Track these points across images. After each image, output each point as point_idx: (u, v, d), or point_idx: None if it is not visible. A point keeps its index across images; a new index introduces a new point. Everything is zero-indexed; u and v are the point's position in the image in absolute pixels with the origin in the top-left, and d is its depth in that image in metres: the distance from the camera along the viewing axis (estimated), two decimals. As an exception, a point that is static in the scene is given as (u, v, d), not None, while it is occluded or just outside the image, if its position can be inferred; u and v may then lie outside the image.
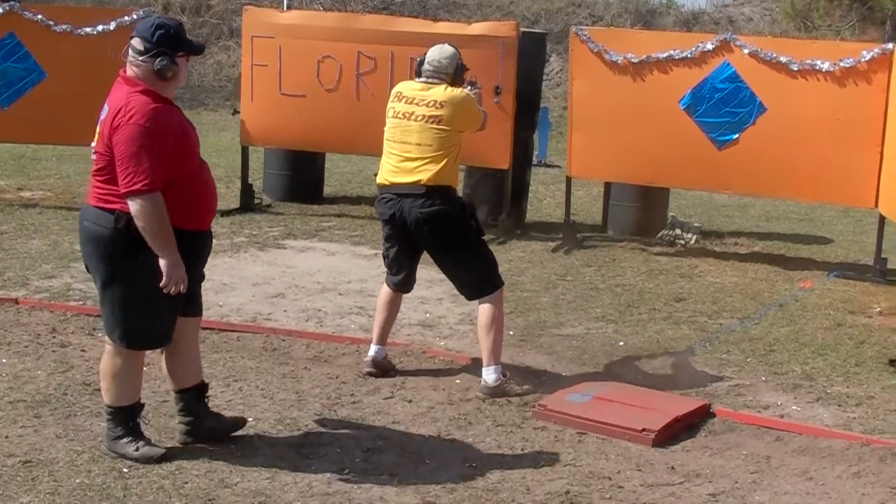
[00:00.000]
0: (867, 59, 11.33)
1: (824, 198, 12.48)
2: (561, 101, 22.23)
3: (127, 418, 6.25)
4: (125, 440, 6.20)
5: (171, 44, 6.02)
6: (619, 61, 12.12)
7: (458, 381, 7.84)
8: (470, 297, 7.89)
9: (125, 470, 6.06)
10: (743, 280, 11.28)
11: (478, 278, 7.74)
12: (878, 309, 10.34)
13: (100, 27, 13.13)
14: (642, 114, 12.07)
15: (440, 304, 9.76)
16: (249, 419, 6.90)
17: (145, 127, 5.83)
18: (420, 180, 7.56)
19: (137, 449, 6.18)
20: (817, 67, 11.45)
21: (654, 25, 25.68)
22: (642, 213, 13.27)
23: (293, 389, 7.48)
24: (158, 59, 5.96)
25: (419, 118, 7.62)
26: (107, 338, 6.24)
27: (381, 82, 12.71)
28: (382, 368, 7.90)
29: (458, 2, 27.79)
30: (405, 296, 8.10)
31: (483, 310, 7.69)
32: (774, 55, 11.55)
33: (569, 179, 12.88)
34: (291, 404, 7.22)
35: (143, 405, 6.38)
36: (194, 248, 6.19)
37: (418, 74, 7.83)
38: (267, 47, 13.19)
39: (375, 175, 8.03)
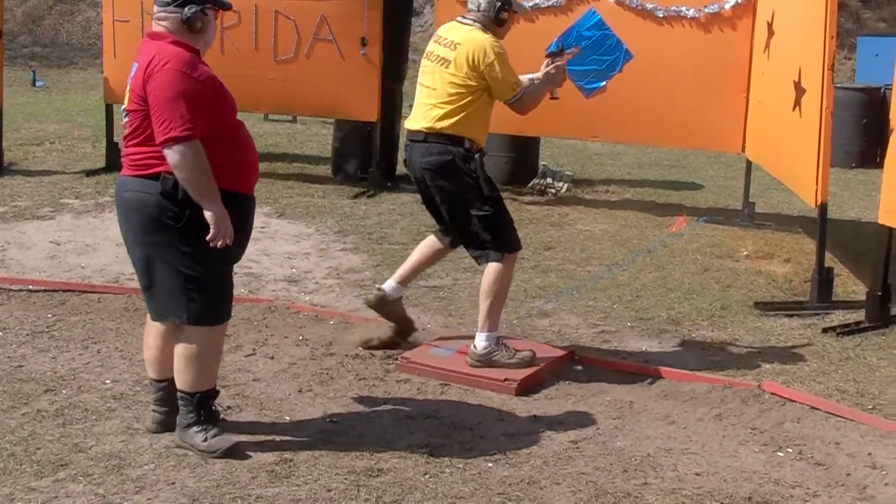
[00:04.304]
0: (731, 5, 11.39)
1: (692, 144, 12.60)
2: (435, 53, 22.14)
3: (199, 405, 5.85)
4: (195, 429, 5.81)
5: None
6: (486, 10, 12.02)
7: (321, 335, 7.74)
8: (477, 260, 7.23)
9: (-25, 438, 5.90)
10: (613, 227, 11.31)
11: (483, 240, 7.10)
12: (745, 253, 10.43)
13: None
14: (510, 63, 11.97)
15: (307, 258, 9.66)
16: (107, 382, 6.77)
17: (182, 72, 5.45)
18: (420, 125, 7.07)
19: (206, 439, 5.78)
20: (682, 14, 11.48)
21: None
22: (513, 162, 13.29)
23: (153, 349, 7.33)
24: (187, 7, 5.59)
25: (434, 59, 7.10)
26: (173, 323, 5.78)
27: (246, 36, 12.57)
28: (385, 308, 7.48)
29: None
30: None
31: (486, 271, 7.10)
32: (640, 2, 11.55)
33: (438, 130, 12.78)
34: (151, 365, 7.08)
35: (217, 392, 6.01)
36: (246, 213, 5.81)
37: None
38: (128, 2, 12.92)
39: None
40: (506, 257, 7.07)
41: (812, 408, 6.70)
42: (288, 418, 6.32)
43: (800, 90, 9.13)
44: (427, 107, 7.06)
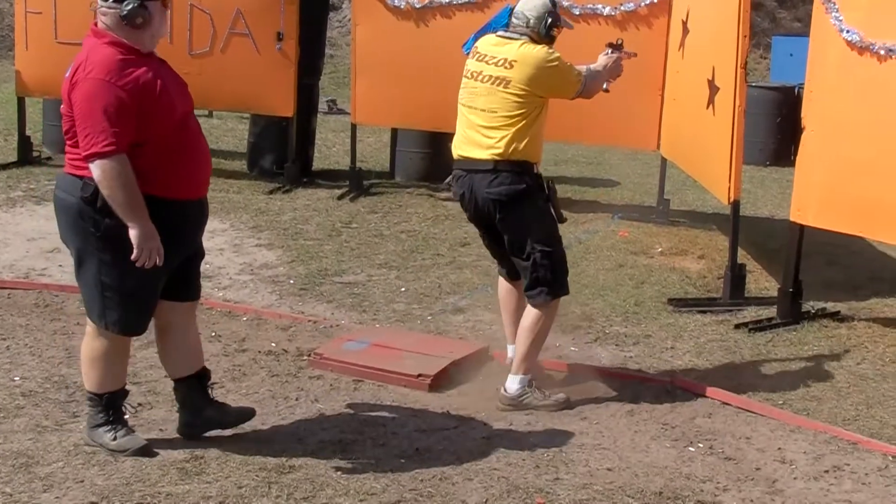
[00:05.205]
0: (647, 3, 11.43)
1: (609, 141, 12.63)
2: (353, 48, 22.08)
3: (107, 406, 5.74)
4: (104, 429, 5.72)
5: None
6: (402, 6, 12.02)
7: (234, 331, 7.68)
8: (531, 299, 6.68)
9: None
10: (529, 224, 11.30)
11: (541, 278, 6.63)
12: (660, 249, 10.49)
13: None
14: (426, 59, 11.97)
15: (221, 254, 9.60)
16: (15, 379, 6.69)
17: (106, 81, 5.24)
18: (488, 154, 6.56)
19: (115, 438, 5.69)
20: (598, 12, 11.49)
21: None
22: (430, 158, 13.24)
23: (63, 346, 7.26)
24: (125, 2, 5.38)
25: (486, 79, 6.58)
26: (88, 318, 5.71)
27: (161, 29, 12.42)
28: None
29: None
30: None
31: (530, 312, 6.69)
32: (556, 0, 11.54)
33: (354, 126, 12.76)
34: (61, 361, 7.01)
35: (126, 392, 5.88)
36: (182, 221, 5.62)
37: (507, 27, 6.78)
38: (41, -7, 12.75)
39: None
40: (556, 301, 6.75)
41: (723, 403, 6.77)
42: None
43: (713, 88, 9.20)
44: (488, 130, 6.58)
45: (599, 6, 11.47)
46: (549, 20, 6.65)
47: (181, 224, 5.65)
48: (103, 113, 5.25)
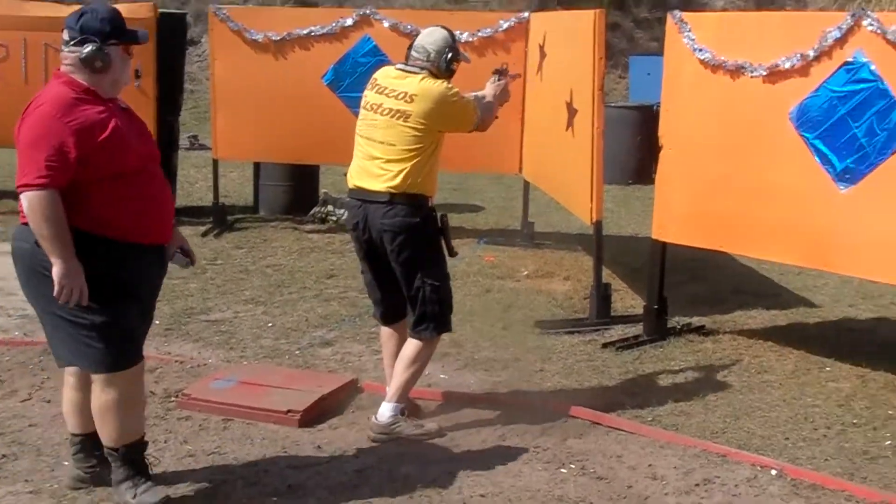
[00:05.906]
0: (504, 28, 11.58)
1: (473, 167, 12.64)
2: (214, 83, 21.91)
3: (125, 459, 5.56)
4: (125, 485, 5.54)
5: (97, 30, 5.33)
6: (261, 39, 12.00)
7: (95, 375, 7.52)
8: (419, 333, 6.65)
9: None
10: (395, 252, 11.30)
11: (428, 312, 6.60)
12: (526, 272, 10.56)
13: None
14: (287, 91, 11.99)
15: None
16: None
17: (52, 116, 5.14)
18: (385, 186, 6.48)
19: (135, 496, 5.51)
20: (456, 39, 11.50)
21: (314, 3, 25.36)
22: (293, 191, 13.26)
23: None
24: (83, 45, 5.30)
25: (385, 112, 6.52)
26: (92, 375, 5.51)
27: (14, 70, 12.32)
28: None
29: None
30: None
31: (412, 343, 6.68)
32: (413, 27, 11.56)
33: (216, 161, 12.69)
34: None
35: (145, 442, 5.70)
36: (131, 267, 5.40)
37: (407, 60, 6.77)
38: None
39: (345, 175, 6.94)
40: (439, 336, 6.78)
41: (593, 423, 6.82)
42: (66, 463, 6.11)
43: (572, 111, 9.29)
44: (385, 163, 6.51)
45: (457, 32, 11.47)
46: (450, 54, 6.66)
47: (138, 271, 5.49)
48: (42, 146, 5.13)
